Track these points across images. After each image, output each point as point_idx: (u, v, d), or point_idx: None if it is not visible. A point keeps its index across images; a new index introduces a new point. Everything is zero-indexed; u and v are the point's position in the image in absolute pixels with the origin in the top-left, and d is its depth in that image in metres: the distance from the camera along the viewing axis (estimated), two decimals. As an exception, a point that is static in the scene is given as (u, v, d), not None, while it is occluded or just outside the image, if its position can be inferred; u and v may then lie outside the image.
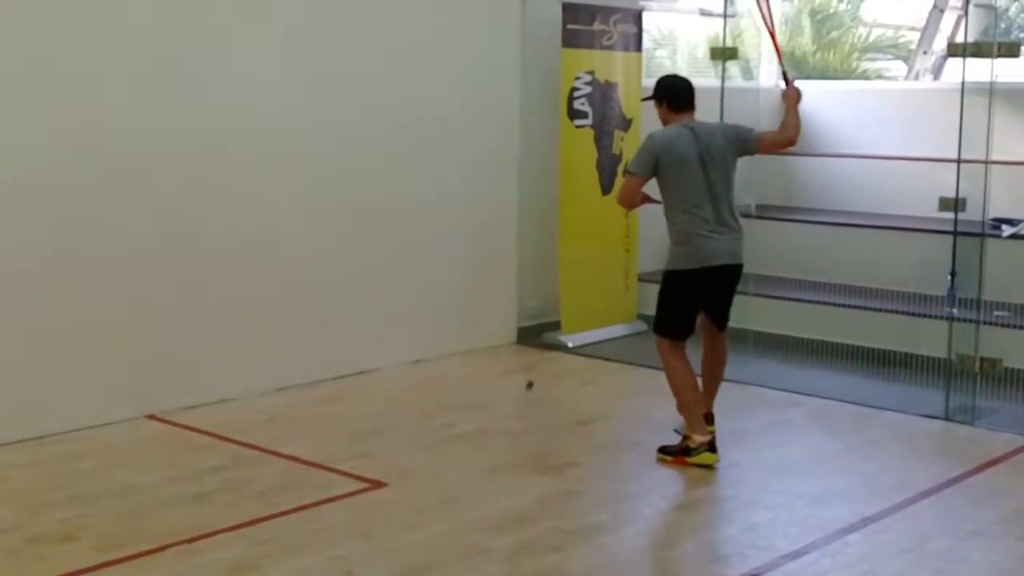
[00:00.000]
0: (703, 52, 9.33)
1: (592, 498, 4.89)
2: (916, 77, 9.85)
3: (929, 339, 6.61)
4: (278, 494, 4.75)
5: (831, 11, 12.93)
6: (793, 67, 11.97)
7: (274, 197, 6.22)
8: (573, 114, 7.43)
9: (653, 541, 4.52)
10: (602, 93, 7.57)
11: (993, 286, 6.36)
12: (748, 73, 8.54)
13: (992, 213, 6.63)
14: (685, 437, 5.23)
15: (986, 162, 6.10)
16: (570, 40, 7.36)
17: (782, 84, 5.67)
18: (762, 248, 7.48)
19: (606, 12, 7.54)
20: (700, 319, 5.48)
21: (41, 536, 4.30)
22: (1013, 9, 11.19)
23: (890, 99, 9.22)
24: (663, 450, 5.26)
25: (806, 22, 12.62)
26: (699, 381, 5.34)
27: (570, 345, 7.36)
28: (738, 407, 6.09)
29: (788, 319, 7.40)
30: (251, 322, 6.15)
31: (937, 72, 9.74)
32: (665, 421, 5.78)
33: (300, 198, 6.34)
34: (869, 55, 12.85)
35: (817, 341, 7.24)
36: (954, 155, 6.08)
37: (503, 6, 7.27)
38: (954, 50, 6.51)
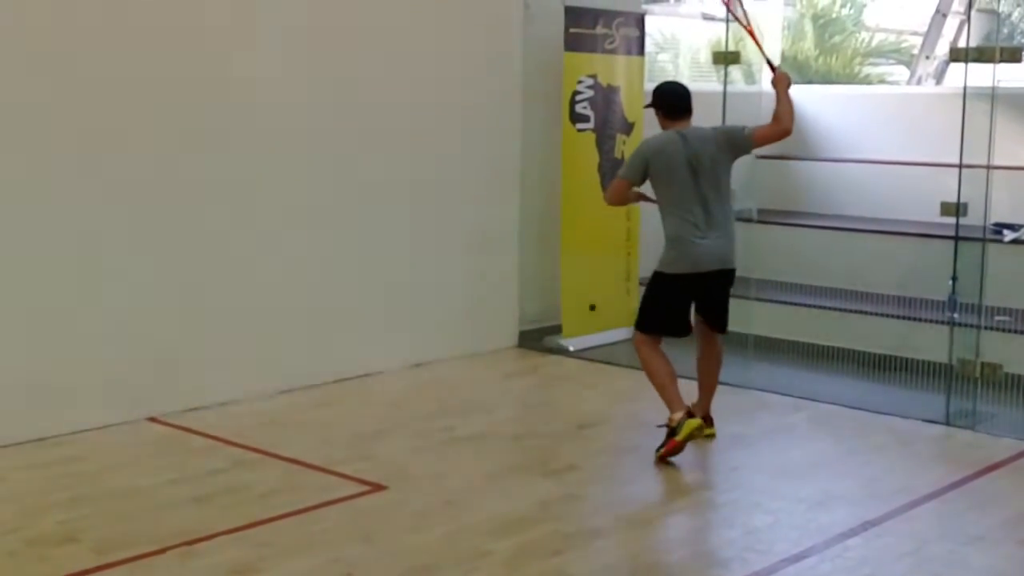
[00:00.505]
0: (705, 56, 9.36)
1: (593, 501, 4.89)
2: (918, 82, 9.86)
3: (930, 344, 6.61)
4: (278, 497, 4.75)
5: (834, 16, 12.95)
6: (795, 71, 11.99)
7: (275, 200, 6.23)
8: (575, 118, 7.44)
9: (653, 544, 4.52)
10: (604, 97, 7.57)
11: (994, 291, 6.35)
12: (750, 77, 8.53)
13: (994, 218, 6.62)
14: (667, 423, 5.29)
15: (988, 167, 6.09)
16: (572, 44, 7.37)
17: (769, 73, 5.66)
18: (764, 252, 7.50)
19: (608, 16, 7.54)
20: (695, 322, 5.55)
21: (41, 538, 4.30)
22: (1016, 14, 11.21)
23: (892, 104, 9.22)
24: (658, 450, 5.28)
25: (809, 27, 12.63)
26: (672, 380, 5.38)
27: (571, 349, 7.36)
28: (739, 411, 6.09)
29: (789, 323, 7.41)
30: (252, 325, 6.15)
31: (939, 77, 9.75)
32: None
33: (301, 201, 6.35)
34: (871, 60, 12.87)
35: (818, 346, 7.24)
36: (956, 160, 6.08)
37: (505, 9, 7.28)
38: (956, 55, 6.51)
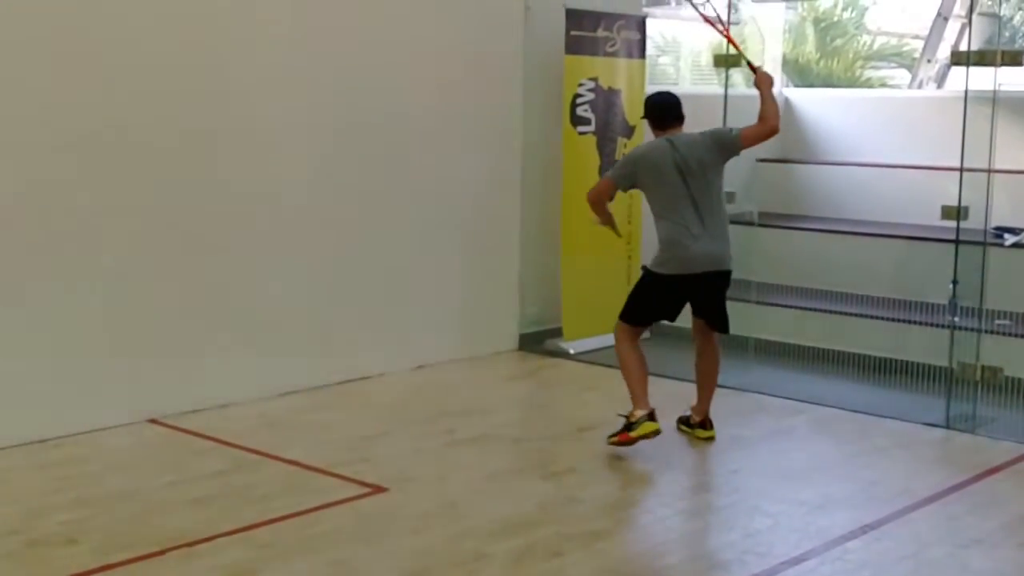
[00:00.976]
0: (706, 59, 9.35)
1: (593, 504, 4.89)
2: (920, 85, 9.86)
3: (930, 347, 6.62)
4: (279, 498, 4.76)
5: (835, 19, 12.96)
6: (797, 75, 12.01)
7: (276, 202, 6.24)
8: (576, 121, 7.45)
9: (653, 547, 4.52)
10: (605, 100, 7.58)
11: (995, 295, 6.36)
12: (751, 80, 8.54)
13: (994, 222, 6.63)
14: (627, 416, 5.36)
15: (989, 171, 6.10)
16: (573, 47, 7.38)
17: (751, 74, 5.78)
18: (764, 256, 7.51)
19: (610, 19, 7.55)
20: (692, 323, 5.62)
21: (42, 539, 4.30)
22: (1017, 18, 11.22)
23: (893, 107, 9.22)
24: (610, 436, 5.39)
25: (810, 30, 12.64)
26: (644, 379, 5.46)
27: (572, 352, 7.36)
28: (739, 414, 6.10)
29: (790, 327, 7.41)
30: (253, 327, 6.16)
31: (941, 80, 9.75)
32: (667, 428, 5.80)
33: (302, 204, 6.35)
34: (873, 63, 12.87)
35: (819, 349, 7.25)
36: (957, 164, 6.09)
37: (506, 12, 7.29)
38: (958, 58, 6.53)
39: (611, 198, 5.66)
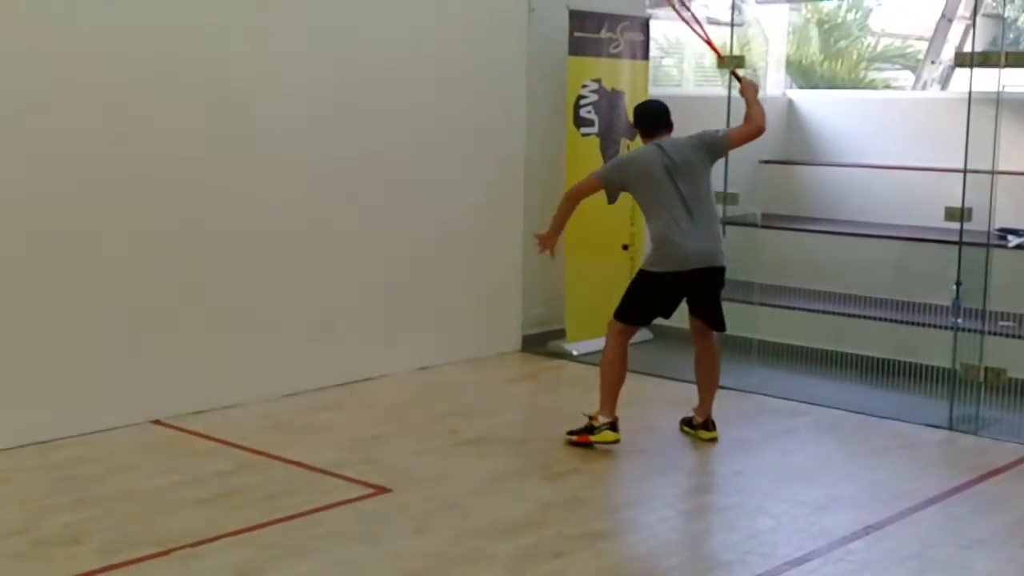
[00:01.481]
0: (710, 61, 9.34)
1: (595, 505, 4.90)
2: (924, 87, 9.86)
3: (934, 349, 6.62)
4: (282, 499, 4.77)
5: (839, 21, 12.96)
6: (801, 76, 12.00)
7: (279, 203, 6.24)
8: (579, 122, 7.45)
9: (656, 548, 4.52)
10: (608, 101, 7.58)
11: (998, 296, 6.35)
12: (755, 82, 8.54)
13: (998, 223, 6.63)
14: (591, 417, 5.44)
15: (992, 172, 6.10)
16: (577, 48, 7.39)
17: (736, 83, 5.86)
18: (767, 257, 7.51)
19: (613, 20, 7.56)
20: (690, 323, 5.65)
21: (46, 539, 4.31)
22: (1021, 20, 11.21)
23: (897, 109, 9.22)
24: (570, 432, 5.49)
25: (814, 32, 12.64)
26: (619, 386, 5.51)
27: (575, 353, 7.36)
28: (742, 415, 6.10)
29: (793, 328, 7.41)
30: (257, 328, 6.17)
31: (945, 82, 9.75)
32: (670, 429, 5.81)
33: (304, 206, 6.36)
34: (877, 65, 12.87)
35: (822, 350, 7.24)
36: (961, 165, 6.08)
37: (509, 13, 7.30)
38: (961, 60, 6.52)
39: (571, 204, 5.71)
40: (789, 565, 4.20)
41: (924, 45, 10.35)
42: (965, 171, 6.06)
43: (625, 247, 7.60)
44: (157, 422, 5.74)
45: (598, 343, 7.41)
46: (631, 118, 7.62)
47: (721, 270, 5.52)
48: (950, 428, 5.97)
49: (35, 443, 5.33)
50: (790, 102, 9.43)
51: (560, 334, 7.52)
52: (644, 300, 5.52)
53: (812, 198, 8.82)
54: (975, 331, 6.25)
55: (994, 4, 8.24)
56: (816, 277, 7.90)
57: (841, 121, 9.15)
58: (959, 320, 6.24)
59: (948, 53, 9.54)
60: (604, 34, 7.51)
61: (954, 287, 6.24)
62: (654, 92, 8.03)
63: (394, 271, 6.80)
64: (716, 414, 5.75)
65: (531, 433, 5.84)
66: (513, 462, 5.38)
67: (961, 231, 6.13)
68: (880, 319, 7.22)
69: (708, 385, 5.68)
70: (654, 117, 5.68)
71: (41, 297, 5.38)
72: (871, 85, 12.43)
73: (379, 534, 4.43)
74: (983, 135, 6.00)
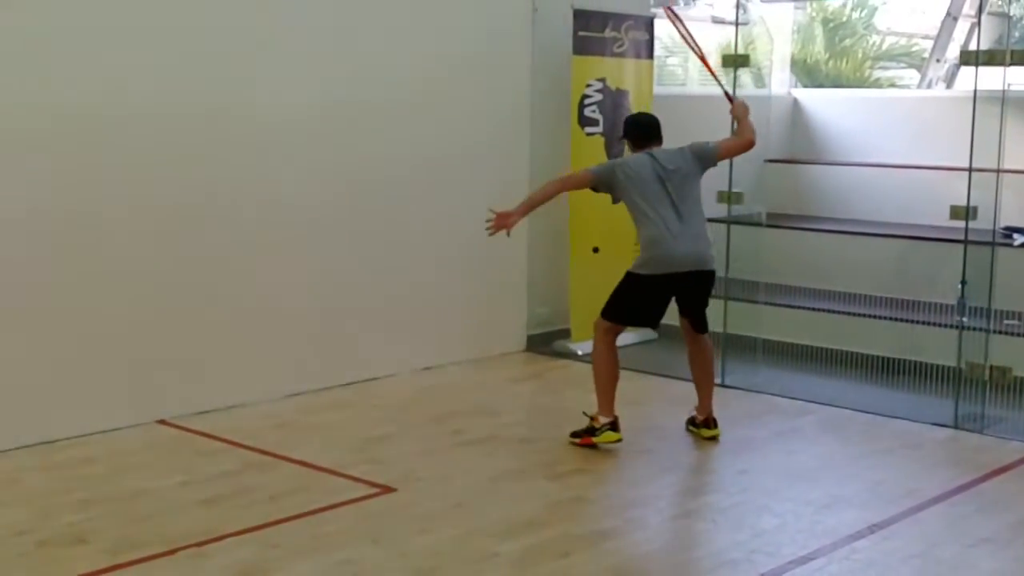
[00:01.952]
0: (715, 60, 9.34)
1: (600, 504, 4.90)
2: (929, 85, 9.84)
3: (939, 348, 6.60)
4: (288, 499, 4.78)
5: (844, 19, 12.93)
6: (805, 75, 11.99)
7: (285, 204, 6.25)
8: (584, 121, 7.45)
9: (661, 547, 4.52)
10: (613, 101, 7.58)
11: (1004, 295, 6.34)
12: (760, 81, 8.54)
13: (1003, 222, 6.61)
14: (592, 418, 5.47)
15: (998, 171, 6.09)
16: (581, 47, 7.39)
17: (728, 103, 5.92)
18: (772, 256, 7.50)
19: (618, 19, 7.56)
20: (681, 324, 5.71)
21: (53, 539, 4.33)
22: (1027, 18, 11.18)
23: (902, 107, 9.20)
24: (574, 433, 5.52)
25: (819, 30, 12.63)
26: (614, 384, 5.53)
27: (580, 353, 7.35)
28: (747, 415, 6.11)
29: (798, 327, 7.40)
30: (262, 328, 6.18)
31: (950, 80, 9.74)
32: (674, 428, 5.81)
33: (311, 205, 6.37)
34: (882, 63, 12.85)
35: (827, 349, 7.23)
36: (966, 164, 6.07)
37: (513, 13, 7.30)
38: (967, 58, 6.50)
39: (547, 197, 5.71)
40: (794, 564, 4.20)
41: (929, 43, 10.33)
42: (970, 170, 6.05)
43: (595, 250, 7.56)
44: (163, 422, 5.76)
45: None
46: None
47: (712, 273, 5.59)
48: (955, 427, 5.96)
49: (41, 443, 5.35)
50: (795, 101, 9.42)
51: (565, 334, 7.52)
52: (632, 301, 5.54)
53: (817, 197, 8.80)
54: (980, 330, 6.24)
55: (999, 2, 8.24)
56: (821, 276, 7.89)
57: (846, 120, 9.13)
58: (964, 319, 6.23)
59: (953, 51, 9.53)
60: (608, 33, 7.51)
61: (959, 286, 6.23)
62: (659, 91, 8.04)
63: (399, 271, 6.81)
64: (721, 413, 5.76)
65: (536, 433, 5.84)
66: (518, 462, 5.38)
67: (966, 230, 6.12)
68: (885, 318, 7.21)
69: (705, 382, 5.72)
70: (645, 129, 5.76)
71: (47, 298, 5.39)
72: (876, 84, 12.41)
73: (384, 534, 4.43)
74: (988, 134, 5.99)
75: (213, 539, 4.31)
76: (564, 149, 7.44)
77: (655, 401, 6.38)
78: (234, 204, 6.04)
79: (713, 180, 7.00)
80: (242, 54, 6.01)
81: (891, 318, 7.19)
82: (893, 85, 12.43)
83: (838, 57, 12.54)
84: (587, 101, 7.45)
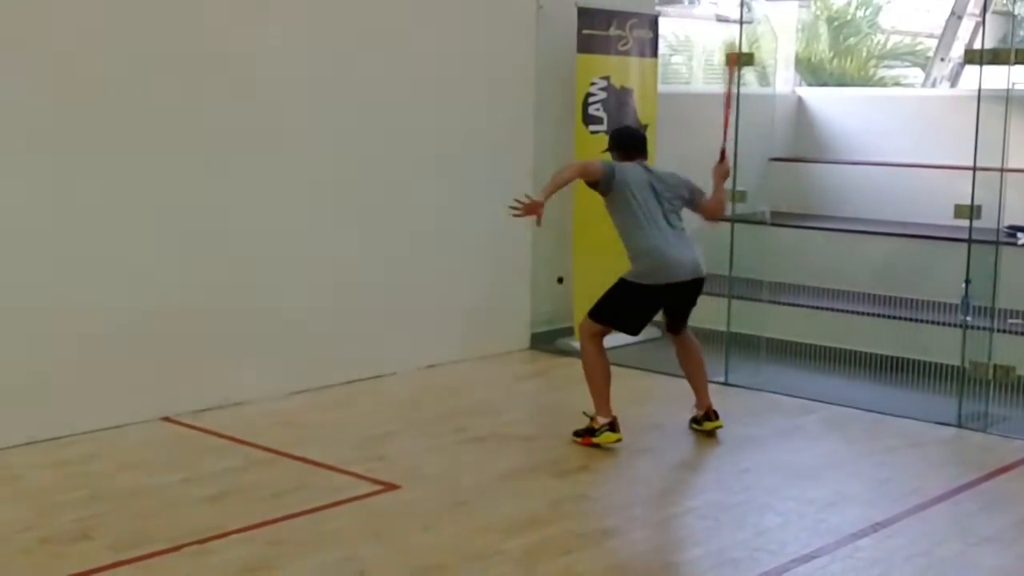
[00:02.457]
0: (719, 58, 9.34)
1: (604, 502, 4.91)
2: (933, 84, 9.83)
3: (943, 346, 6.61)
4: (291, 496, 4.78)
5: (849, 18, 12.91)
6: (810, 73, 11.97)
7: (290, 202, 6.26)
8: (588, 120, 7.45)
9: (664, 545, 4.53)
10: (617, 99, 7.58)
11: (1007, 294, 6.34)
12: (764, 79, 8.55)
13: (1007, 221, 6.62)
14: (591, 418, 5.49)
15: (1002, 170, 6.09)
16: (585, 45, 7.38)
17: (718, 156, 5.95)
18: (776, 255, 7.50)
19: (622, 17, 7.56)
20: (666, 324, 5.78)
21: (56, 535, 4.33)
22: (1032, 16, 11.15)
23: (906, 106, 9.20)
24: (575, 433, 5.54)
25: (823, 28, 12.61)
26: (608, 384, 5.54)
27: (585, 350, 7.36)
28: (751, 413, 6.11)
29: (801, 326, 7.40)
30: (266, 326, 6.19)
31: (954, 79, 9.73)
32: (677, 427, 5.81)
33: (316, 203, 6.38)
34: (886, 62, 12.83)
35: (830, 348, 7.24)
36: (970, 162, 6.07)
37: (518, 10, 7.30)
38: (971, 57, 6.50)
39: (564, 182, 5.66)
40: (797, 562, 4.20)
41: (934, 42, 10.32)
42: (975, 168, 6.04)
43: (560, 280, 7.53)
44: (167, 419, 5.76)
45: (606, 341, 7.43)
46: (640, 116, 7.70)
47: (703, 280, 5.63)
48: (959, 426, 5.96)
49: (45, 440, 5.36)
50: (799, 99, 9.42)
51: (568, 332, 7.52)
52: (627, 308, 5.54)
53: (821, 196, 8.81)
54: (984, 329, 6.24)
55: (1004, 1, 8.23)
56: (825, 275, 7.89)
57: (850, 119, 9.13)
58: (968, 318, 6.22)
59: (958, 50, 9.51)
60: (613, 31, 7.51)
61: (963, 285, 6.23)
62: (663, 89, 8.04)
63: (403, 269, 6.81)
64: (723, 411, 5.76)
65: (539, 431, 5.84)
66: (522, 460, 5.38)
67: (970, 229, 6.11)
68: (889, 317, 7.21)
69: (698, 376, 5.75)
70: (634, 141, 5.83)
71: (51, 297, 5.39)
72: (880, 82, 12.38)
73: (388, 531, 4.44)
74: (992, 132, 5.99)
75: (217, 536, 4.32)
76: (568, 147, 7.44)
77: (657, 399, 6.38)
78: (239, 204, 6.04)
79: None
80: (253, 56, 6.02)
81: (895, 317, 7.19)
82: (897, 84, 12.41)
83: (842, 55, 12.51)
84: (591, 99, 7.45)
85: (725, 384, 6.61)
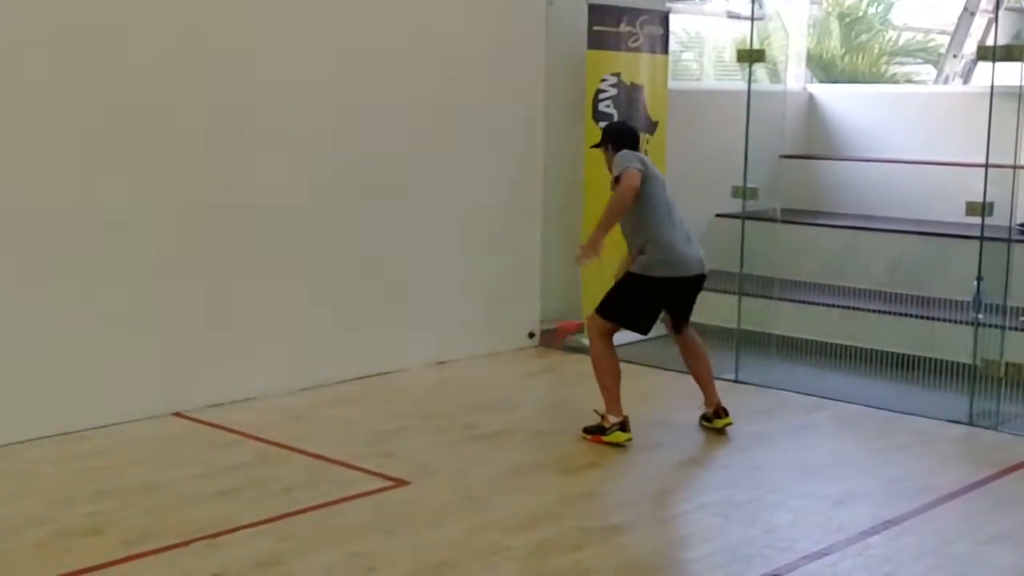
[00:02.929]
0: (730, 54, 9.33)
1: (613, 498, 4.91)
2: (945, 81, 9.80)
3: (954, 344, 6.59)
4: (302, 491, 4.79)
5: (860, 14, 12.87)
6: (821, 70, 11.95)
7: (300, 200, 6.27)
8: (598, 116, 7.44)
9: (674, 541, 4.53)
10: (628, 96, 7.57)
11: (1019, 291, 6.33)
12: (775, 76, 8.53)
13: (1020, 218, 6.60)
14: (602, 417, 5.48)
15: (1014, 167, 6.08)
16: (596, 42, 7.37)
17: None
18: (787, 252, 7.49)
19: (632, 14, 7.54)
20: (667, 324, 5.74)
21: (68, 529, 4.35)
22: (1045, 13, 11.11)
23: (918, 103, 9.18)
24: (586, 430, 5.53)
25: (835, 25, 12.57)
26: (618, 382, 5.53)
27: (594, 347, 7.35)
28: (762, 410, 6.10)
29: (813, 323, 7.39)
30: (277, 322, 6.20)
31: (967, 76, 9.70)
32: (688, 423, 5.81)
33: (325, 201, 6.39)
34: (898, 59, 12.79)
35: (841, 346, 7.23)
36: (982, 160, 6.05)
37: (529, 7, 7.30)
38: (984, 54, 6.48)
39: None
40: (808, 559, 4.20)
41: (946, 39, 10.29)
42: (987, 166, 6.02)
43: (531, 335, 7.48)
44: (178, 414, 5.78)
45: (615, 337, 7.44)
46: (650, 112, 7.69)
47: (705, 277, 5.61)
48: (970, 424, 5.94)
49: (57, 435, 5.38)
50: (810, 96, 9.41)
51: (577, 329, 7.52)
52: (640, 304, 5.50)
53: (832, 193, 8.79)
54: (996, 326, 6.22)
55: (1017, -2, 8.19)
56: (836, 272, 7.88)
57: (862, 116, 9.12)
58: (980, 315, 6.21)
59: (970, 47, 9.48)
60: (623, 28, 7.50)
61: (975, 282, 6.21)
62: (673, 86, 8.03)
63: (412, 266, 6.82)
64: (734, 409, 5.76)
65: (549, 427, 5.85)
66: (531, 456, 5.39)
67: (982, 226, 6.10)
68: (900, 314, 7.19)
69: (704, 373, 5.74)
70: (635, 135, 5.79)
71: (63, 291, 5.42)
72: (892, 79, 12.34)
73: (397, 527, 4.45)
74: (1005, 129, 5.97)
75: (227, 531, 4.33)
76: (578, 144, 7.44)
77: (667, 396, 6.38)
78: (250, 201, 6.05)
79: (728, 175, 7.01)
80: (259, 55, 6.02)
81: (906, 314, 7.17)
82: (909, 81, 12.37)
83: (854, 52, 12.48)
84: (601, 96, 7.44)
85: (736, 381, 6.61)
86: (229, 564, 4.06)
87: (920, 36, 12.80)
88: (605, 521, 4.57)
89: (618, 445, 5.42)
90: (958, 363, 6.50)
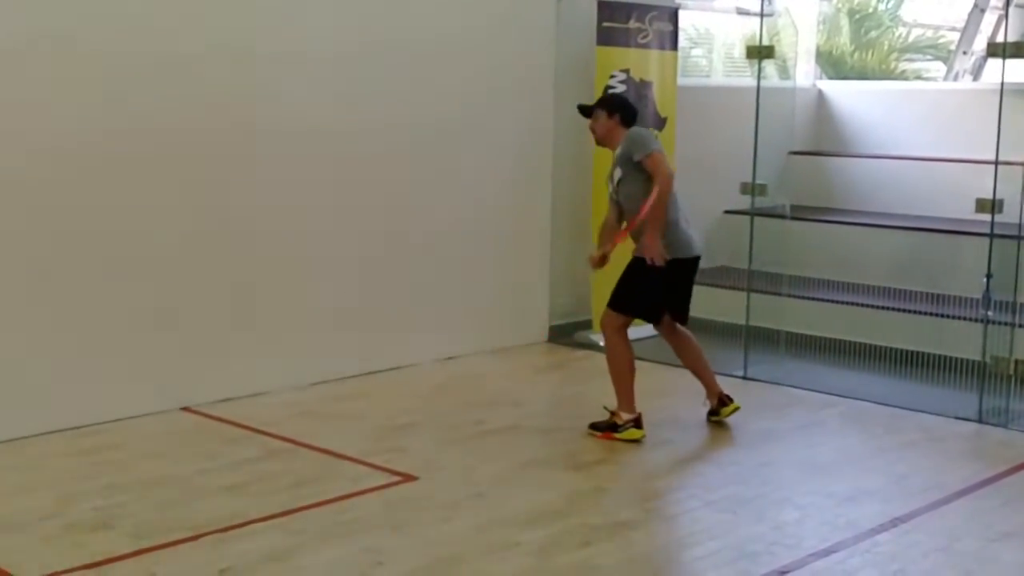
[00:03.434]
0: (739, 51, 9.31)
1: (622, 494, 4.91)
2: (955, 78, 9.78)
3: (964, 341, 6.57)
4: (311, 486, 4.80)
5: (870, 11, 12.84)
6: (831, 67, 11.93)
7: (310, 195, 6.28)
8: (607, 112, 7.42)
9: (682, 537, 4.53)
10: (637, 92, 7.56)
11: (1029, 289, 6.31)
12: (785, 72, 8.52)
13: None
14: (613, 413, 5.46)
15: (1024, 164, 6.06)
16: (605, 38, 7.37)
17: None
18: (797, 249, 7.48)
19: (642, 10, 7.53)
20: (662, 322, 5.69)
21: (78, 523, 4.37)
22: (1056, 10, 11.06)
23: (928, 100, 9.16)
24: (593, 426, 5.51)
25: (845, 22, 12.54)
26: (633, 377, 5.51)
27: (601, 344, 7.33)
28: (770, 407, 6.10)
29: (822, 320, 7.39)
30: (286, 317, 6.21)
31: (977, 73, 9.67)
32: (696, 420, 5.81)
33: (335, 196, 6.39)
34: (908, 55, 12.75)
35: (850, 342, 7.22)
36: (992, 156, 6.03)
37: (537, 3, 7.29)
38: (994, 50, 6.45)
39: None
40: (815, 556, 4.20)
41: (956, 35, 10.26)
42: (997, 163, 6.01)
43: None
44: (187, 409, 5.80)
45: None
46: (660, 109, 7.68)
47: (699, 259, 5.61)
48: (979, 421, 5.93)
49: (67, 429, 5.40)
50: (820, 93, 9.39)
51: (587, 324, 7.52)
52: (652, 291, 5.45)
53: (842, 190, 8.78)
54: (1005, 324, 6.21)
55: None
56: (845, 269, 7.87)
57: (871, 112, 9.10)
58: (989, 312, 6.19)
59: (980, 43, 9.46)
60: (632, 24, 7.49)
61: (984, 279, 6.19)
62: (682, 83, 8.02)
63: (422, 262, 6.82)
64: (743, 405, 5.76)
65: (558, 423, 5.85)
66: (540, 452, 5.39)
67: (992, 223, 6.08)
68: (909, 311, 7.18)
69: (701, 367, 5.74)
70: (635, 111, 5.76)
71: (72, 286, 5.43)
72: (902, 76, 12.31)
73: (406, 522, 4.46)
74: (1015, 126, 5.95)
75: (236, 525, 4.34)
76: (586, 140, 7.40)
77: (676, 393, 6.37)
78: (258, 196, 6.06)
79: (737, 172, 7.00)
80: (269, 53, 6.03)
81: (915, 311, 7.17)
82: (919, 77, 12.34)
83: (864, 49, 12.44)
84: (610, 92, 7.42)
85: (744, 378, 6.60)
86: (238, 558, 4.08)
87: (930, 33, 12.76)
88: (613, 517, 4.57)
89: (633, 442, 5.41)
90: (967, 360, 6.48)
